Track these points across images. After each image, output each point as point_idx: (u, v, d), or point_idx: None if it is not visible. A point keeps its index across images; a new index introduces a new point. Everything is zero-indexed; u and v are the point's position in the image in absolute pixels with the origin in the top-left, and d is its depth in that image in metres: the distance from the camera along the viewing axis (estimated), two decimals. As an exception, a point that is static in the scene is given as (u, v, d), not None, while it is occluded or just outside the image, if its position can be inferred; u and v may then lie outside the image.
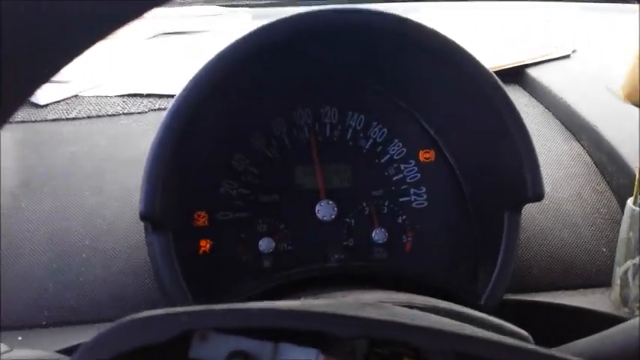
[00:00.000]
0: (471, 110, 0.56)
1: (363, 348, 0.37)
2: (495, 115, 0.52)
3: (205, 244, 0.59)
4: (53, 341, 0.48)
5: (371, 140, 0.63)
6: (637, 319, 0.39)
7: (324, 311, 0.30)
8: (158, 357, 0.30)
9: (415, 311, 0.38)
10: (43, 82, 0.24)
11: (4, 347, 0.39)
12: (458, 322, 0.37)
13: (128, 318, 0.28)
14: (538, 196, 0.51)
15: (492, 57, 0.84)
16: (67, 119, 0.70)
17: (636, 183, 0.53)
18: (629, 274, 0.54)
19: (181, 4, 1.09)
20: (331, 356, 0.32)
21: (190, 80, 0.51)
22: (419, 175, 0.63)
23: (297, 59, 0.58)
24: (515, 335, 0.40)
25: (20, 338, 0.50)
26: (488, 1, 1.17)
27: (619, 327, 0.39)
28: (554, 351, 0.29)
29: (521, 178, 0.51)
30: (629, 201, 0.54)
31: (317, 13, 0.51)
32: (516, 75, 0.83)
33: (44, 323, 0.52)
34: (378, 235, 0.61)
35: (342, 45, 0.57)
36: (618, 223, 0.56)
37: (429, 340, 0.30)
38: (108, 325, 0.27)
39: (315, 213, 0.61)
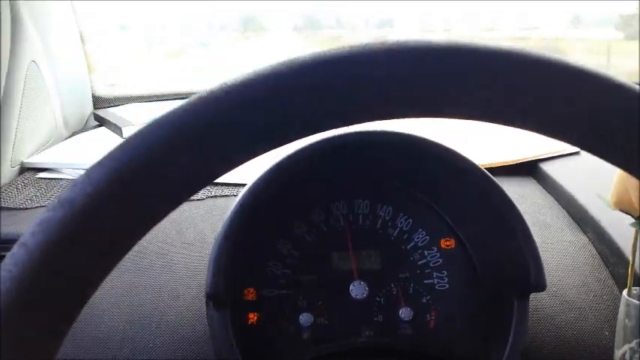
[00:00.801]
0: (480, 211, 0.65)
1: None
2: (499, 215, 0.61)
3: (253, 317, 0.69)
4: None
5: (398, 229, 0.73)
6: None
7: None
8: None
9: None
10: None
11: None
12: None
13: None
14: (540, 286, 0.60)
15: (511, 151, 0.94)
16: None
17: (629, 276, 0.60)
18: (627, 357, 0.61)
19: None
20: None
21: (258, 178, 0.62)
22: (441, 260, 0.72)
23: (335, 165, 0.69)
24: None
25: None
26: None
27: None
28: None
29: (524, 270, 0.60)
30: (624, 292, 0.61)
31: (351, 136, 0.63)
32: (531, 168, 0.92)
33: None
34: (405, 313, 0.70)
35: (372, 155, 0.69)
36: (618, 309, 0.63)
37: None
38: None
39: (349, 292, 0.70)
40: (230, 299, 0.61)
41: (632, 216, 0.60)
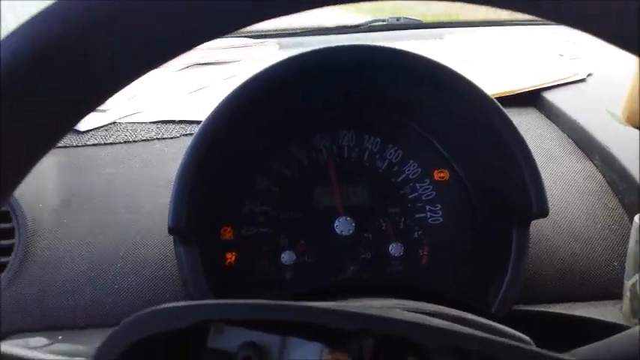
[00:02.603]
0: (478, 134, 0.59)
1: (370, 346, 0.39)
2: (498, 136, 0.55)
3: (231, 257, 0.63)
4: (90, 340, 0.53)
5: (387, 161, 0.67)
6: (638, 327, 0.40)
7: (326, 307, 0.33)
8: (181, 348, 0.33)
9: (419, 314, 0.40)
10: (90, 111, 0.26)
11: (44, 340, 0.43)
12: (459, 325, 0.40)
13: (151, 308, 0.31)
14: (543, 212, 0.53)
15: (511, 81, 0.87)
16: (105, 144, 0.76)
17: (641, 198, 0.54)
18: (638, 286, 0.55)
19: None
20: (335, 351, 0.35)
21: (217, 106, 0.55)
22: (434, 193, 0.66)
23: (316, 89, 0.62)
24: (517, 339, 0.42)
25: (60, 337, 0.54)
26: (509, 25, 1.20)
27: (621, 335, 0.41)
28: (546, 352, 0.31)
29: (526, 195, 0.53)
30: (636, 217, 0.55)
31: (334, 50, 0.55)
32: (533, 98, 0.85)
33: (82, 325, 0.57)
34: (395, 248, 0.64)
35: (358, 77, 0.61)
36: (629, 238, 0.58)
37: (425, 335, 0.33)
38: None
39: (333, 228, 0.64)
40: (200, 235, 0.55)
41: (644, 132, 0.54)
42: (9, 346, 0.35)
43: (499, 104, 0.55)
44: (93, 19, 0.23)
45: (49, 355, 0.25)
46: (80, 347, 0.44)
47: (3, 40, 0.22)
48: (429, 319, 0.38)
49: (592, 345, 0.42)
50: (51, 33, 0.22)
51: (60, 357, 0.28)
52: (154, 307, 0.31)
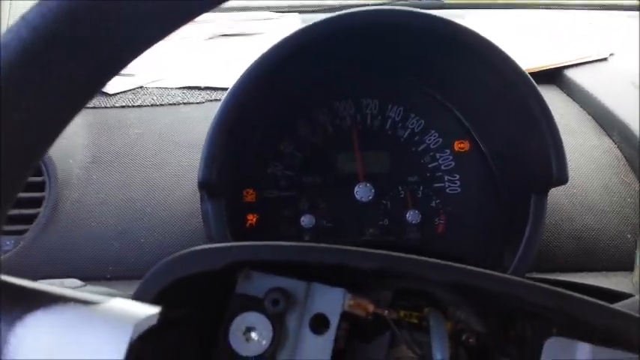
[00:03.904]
0: (503, 104, 0.60)
1: (388, 298, 0.41)
2: (526, 107, 0.56)
3: (252, 218, 0.65)
4: (117, 291, 0.55)
5: (409, 130, 0.68)
6: (637, 297, 0.41)
7: (348, 248, 0.35)
8: (213, 293, 0.35)
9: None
10: (114, 74, 0.27)
11: (78, 282, 0.45)
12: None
13: (184, 251, 0.33)
14: (562, 179, 0.55)
15: (532, 58, 0.88)
16: (133, 106, 0.78)
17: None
18: (650, 258, 0.56)
19: (236, 9, 1.17)
20: (357, 297, 0.37)
21: (243, 73, 0.56)
22: (453, 163, 0.67)
23: (341, 55, 0.63)
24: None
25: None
26: (529, 9, 1.19)
27: (621, 303, 0.42)
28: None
29: (547, 163, 0.55)
30: (652, 189, 0.56)
31: (360, 13, 0.56)
32: (554, 76, 0.86)
33: (108, 277, 0.59)
34: (412, 216, 0.66)
35: (383, 42, 0.62)
36: (644, 211, 0.59)
37: (442, 274, 0.35)
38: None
39: (353, 194, 0.66)
40: (225, 192, 0.57)
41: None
42: (48, 285, 0.37)
43: (526, 72, 0.56)
44: None
45: (89, 294, 0.27)
46: (111, 290, 0.46)
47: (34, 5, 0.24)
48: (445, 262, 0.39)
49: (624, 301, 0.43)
50: None
51: (98, 295, 0.29)
52: (193, 248, 0.33)
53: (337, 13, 0.56)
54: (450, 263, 0.33)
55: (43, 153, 0.27)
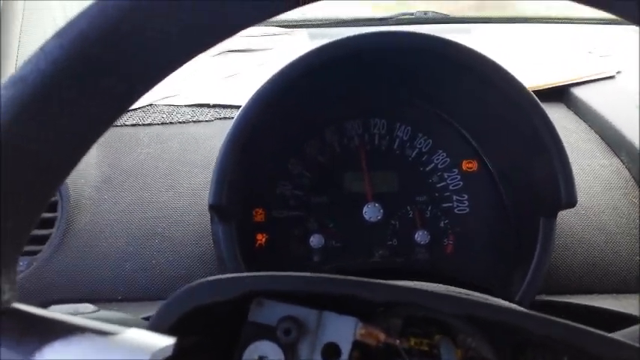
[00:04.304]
0: (511, 126, 0.60)
1: (399, 326, 0.41)
2: (533, 129, 0.56)
3: (262, 238, 0.65)
4: (127, 312, 0.55)
5: (416, 150, 0.68)
6: None
7: (366, 280, 0.36)
8: (225, 321, 0.36)
9: (444, 287, 0.42)
10: (135, 102, 0.28)
11: (91, 307, 0.45)
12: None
13: (200, 280, 0.34)
14: (571, 202, 0.55)
15: (539, 76, 0.88)
16: (144, 125, 0.78)
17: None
18: (660, 281, 0.56)
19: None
20: (369, 326, 0.37)
21: (256, 92, 0.57)
22: (461, 183, 0.67)
23: (350, 75, 0.64)
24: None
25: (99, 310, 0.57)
26: (535, 23, 1.20)
27: (628, 330, 0.42)
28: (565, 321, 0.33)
29: (555, 186, 0.55)
30: (661, 211, 0.56)
31: (372, 36, 0.57)
32: (561, 94, 0.86)
33: (119, 298, 0.60)
34: (421, 236, 0.66)
35: (390, 63, 0.62)
36: (653, 233, 0.59)
37: (452, 306, 0.35)
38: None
39: (362, 214, 0.66)
40: (236, 214, 0.58)
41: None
42: (61, 313, 0.38)
43: (532, 93, 0.57)
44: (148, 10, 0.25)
45: (105, 324, 0.27)
46: (124, 315, 0.47)
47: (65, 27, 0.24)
48: (455, 290, 0.39)
49: (628, 329, 0.44)
50: (108, 23, 0.24)
51: (114, 324, 0.30)
52: (208, 278, 0.33)
53: (346, 36, 0.57)
54: (458, 295, 0.34)
55: (63, 180, 0.27)
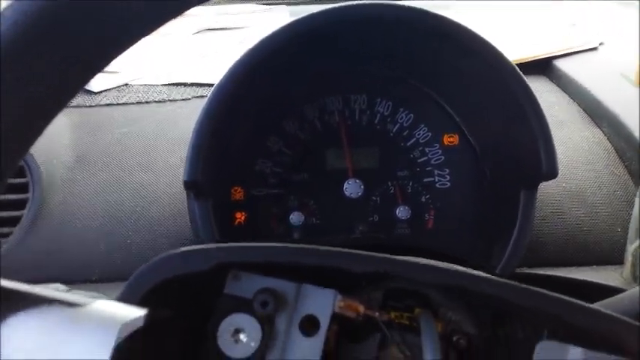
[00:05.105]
0: (492, 97, 0.59)
1: (379, 299, 0.40)
2: (514, 100, 0.55)
3: (241, 216, 0.64)
4: (103, 294, 0.54)
5: (398, 125, 0.67)
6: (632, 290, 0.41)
7: (343, 251, 0.35)
8: (201, 293, 0.35)
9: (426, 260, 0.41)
10: (98, 72, 0.27)
11: (62, 287, 0.44)
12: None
13: (169, 252, 0.33)
14: (552, 173, 0.54)
15: (522, 49, 0.87)
16: (118, 104, 0.76)
17: (648, 163, 0.55)
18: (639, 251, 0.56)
19: (221, 2, 1.16)
20: (348, 298, 0.37)
21: (230, 67, 0.55)
22: (443, 157, 0.67)
23: (328, 49, 0.63)
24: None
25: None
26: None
27: (623, 295, 0.42)
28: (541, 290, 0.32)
29: (536, 157, 0.54)
30: (642, 182, 0.56)
31: (347, 8, 0.55)
32: (544, 66, 0.85)
33: (95, 279, 0.58)
34: (402, 212, 0.65)
35: (371, 36, 0.61)
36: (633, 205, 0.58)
37: (432, 276, 0.34)
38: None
39: (343, 191, 0.65)
40: (212, 194, 0.56)
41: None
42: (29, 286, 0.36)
43: (514, 65, 0.56)
44: None
45: (73, 295, 0.26)
46: (96, 294, 0.46)
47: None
48: (435, 263, 0.39)
49: (607, 300, 0.43)
50: None
51: (81, 296, 0.29)
52: (177, 249, 0.32)
53: (323, 8, 0.56)
54: (438, 265, 0.33)
55: (24, 153, 0.26)
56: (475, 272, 0.35)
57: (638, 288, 0.40)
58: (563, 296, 0.32)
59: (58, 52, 0.24)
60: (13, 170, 0.27)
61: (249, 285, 0.35)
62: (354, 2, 0.56)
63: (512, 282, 0.32)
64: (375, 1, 0.56)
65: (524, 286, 0.32)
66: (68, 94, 0.27)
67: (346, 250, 0.34)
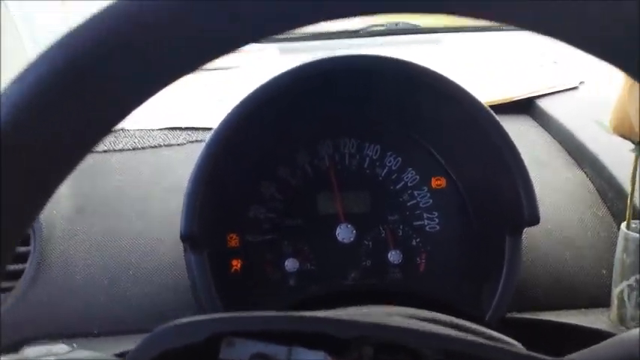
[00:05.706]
0: (472, 143, 0.62)
1: (370, 355, 0.42)
2: (493, 146, 0.58)
3: (237, 264, 0.66)
4: (104, 348, 0.55)
5: (386, 168, 0.69)
6: (637, 330, 0.43)
7: (329, 317, 0.36)
8: (198, 358, 0.36)
9: (415, 320, 0.43)
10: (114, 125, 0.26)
11: (65, 348, 0.45)
12: (453, 330, 0.43)
13: (164, 326, 0.34)
14: (534, 220, 0.56)
15: (506, 88, 0.90)
16: (115, 151, 0.78)
17: (627, 208, 0.57)
18: (625, 295, 0.58)
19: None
20: (337, 359, 0.38)
21: (226, 116, 0.58)
22: (431, 200, 0.69)
23: (319, 98, 0.65)
24: (507, 344, 0.45)
25: (75, 345, 0.57)
26: (505, 31, 1.22)
27: (617, 338, 0.43)
28: (535, 354, 0.34)
29: (518, 204, 0.57)
30: (623, 225, 0.58)
31: (332, 60, 0.58)
32: (527, 106, 0.88)
33: (96, 332, 0.59)
34: (394, 256, 0.67)
35: (359, 85, 0.64)
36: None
37: (421, 340, 0.36)
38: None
39: (335, 235, 0.67)
40: (209, 243, 0.58)
41: (632, 142, 0.57)
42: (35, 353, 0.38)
43: (492, 112, 0.58)
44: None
45: None
46: (98, 355, 0.47)
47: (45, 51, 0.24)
48: (424, 325, 0.41)
49: (582, 351, 0.45)
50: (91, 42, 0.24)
51: None
52: (171, 323, 0.34)
53: (311, 60, 0.58)
54: (434, 331, 0.35)
55: (37, 214, 0.27)
56: (460, 335, 0.37)
57: (637, 330, 0.42)
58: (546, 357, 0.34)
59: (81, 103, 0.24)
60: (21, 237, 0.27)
61: (242, 350, 0.37)
62: (341, 55, 0.59)
63: (503, 346, 0.34)
64: (349, 55, 0.59)
65: (515, 350, 0.34)
66: (87, 147, 0.27)
67: (332, 317, 0.36)
